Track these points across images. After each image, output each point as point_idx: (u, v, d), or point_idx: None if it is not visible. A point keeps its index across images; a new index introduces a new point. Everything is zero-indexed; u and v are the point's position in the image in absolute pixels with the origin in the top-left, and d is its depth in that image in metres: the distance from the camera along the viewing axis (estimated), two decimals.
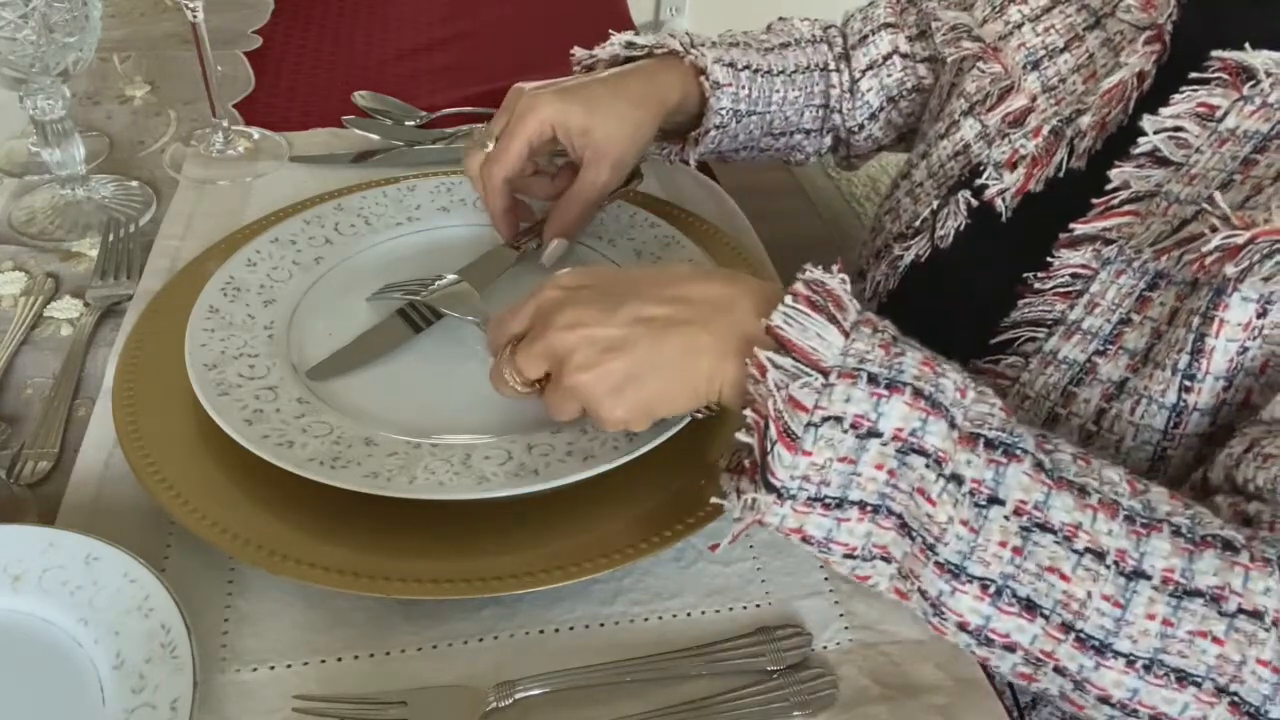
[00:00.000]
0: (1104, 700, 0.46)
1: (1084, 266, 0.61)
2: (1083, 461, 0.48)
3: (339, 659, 0.54)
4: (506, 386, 0.56)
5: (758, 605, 0.58)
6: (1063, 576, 0.45)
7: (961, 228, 0.71)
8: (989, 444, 0.46)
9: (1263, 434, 0.51)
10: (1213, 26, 0.59)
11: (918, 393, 0.46)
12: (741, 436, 0.49)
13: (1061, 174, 0.66)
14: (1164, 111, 0.59)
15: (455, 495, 0.55)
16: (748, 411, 0.48)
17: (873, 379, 0.46)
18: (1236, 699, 0.44)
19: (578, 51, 0.83)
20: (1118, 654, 0.45)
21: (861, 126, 0.86)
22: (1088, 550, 0.45)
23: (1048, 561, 0.45)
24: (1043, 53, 0.69)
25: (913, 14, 0.85)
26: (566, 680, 0.52)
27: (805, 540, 0.48)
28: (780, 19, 0.87)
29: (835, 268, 0.51)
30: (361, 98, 0.99)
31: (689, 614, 0.57)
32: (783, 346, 0.48)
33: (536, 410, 0.57)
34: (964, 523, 0.46)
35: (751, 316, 0.51)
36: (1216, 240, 0.52)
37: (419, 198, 0.81)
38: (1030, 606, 0.45)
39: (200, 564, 0.57)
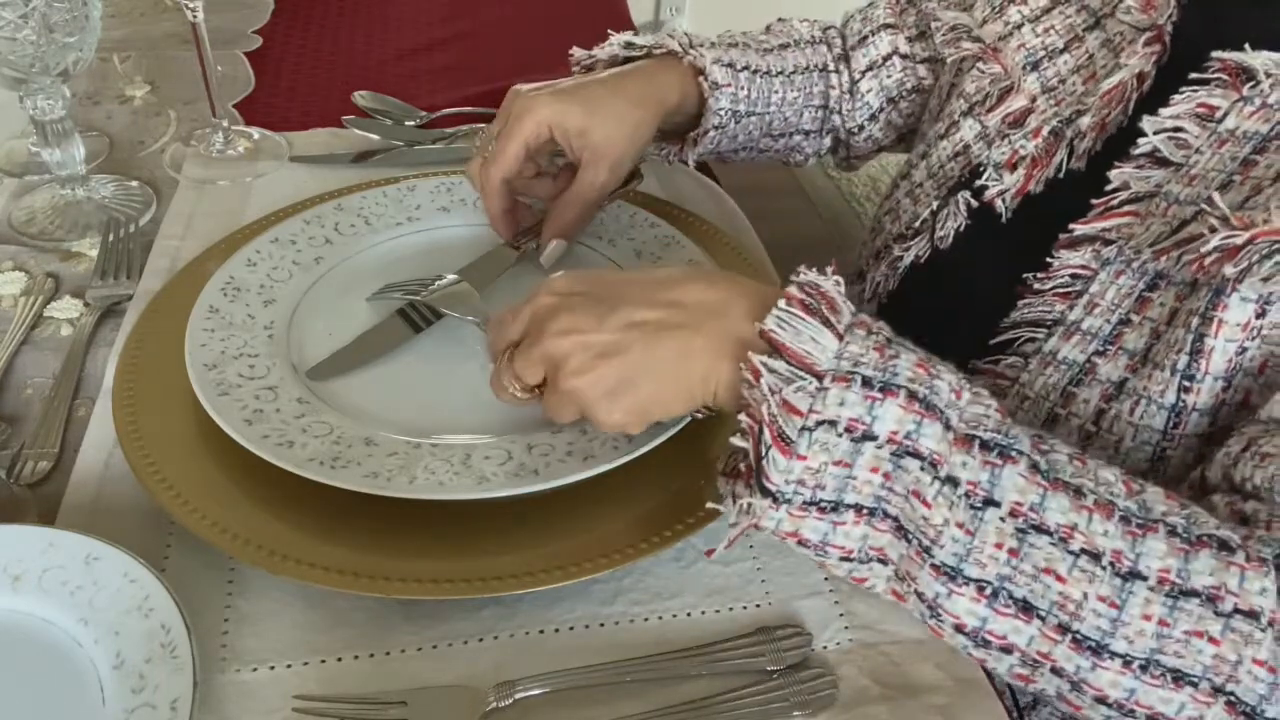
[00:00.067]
0: (1101, 701, 0.46)
1: (1084, 267, 0.61)
2: (1079, 462, 0.48)
3: (339, 659, 0.54)
4: (506, 393, 0.56)
5: (758, 605, 0.58)
6: (1059, 578, 0.45)
7: (961, 228, 0.71)
8: (984, 446, 0.46)
9: (1260, 433, 0.51)
10: (1213, 27, 0.59)
11: (912, 395, 0.46)
12: (736, 441, 0.49)
13: (1061, 175, 0.66)
14: (1164, 112, 0.59)
15: (455, 495, 0.55)
16: (742, 416, 0.48)
17: (867, 382, 0.46)
18: (1233, 699, 0.44)
19: (576, 52, 0.83)
20: (1114, 654, 0.45)
21: (861, 127, 0.86)
22: (1083, 551, 0.45)
23: (1044, 563, 0.45)
24: (1042, 53, 0.69)
25: (912, 15, 0.85)
26: (566, 680, 0.52)
27: (801, 543, 0.48)
28: (779, 20, 0.87)
29: (830, 269, 0.51)
30: (361, 98, 0.99)
31: (689, 614, 0.57)
32: (776, 350, 0.48)
33: (536, 410, 0.57)
34: (960, 525, 0.46)
35: (745, 320, 0.51)
36: (1215, 241, 0.53)
37: (419, 198, 0.81)
38: (1027, 608, 0.45)
39: (200, 564, 0.57)
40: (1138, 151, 0.60)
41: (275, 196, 0.85)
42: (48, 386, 0.69)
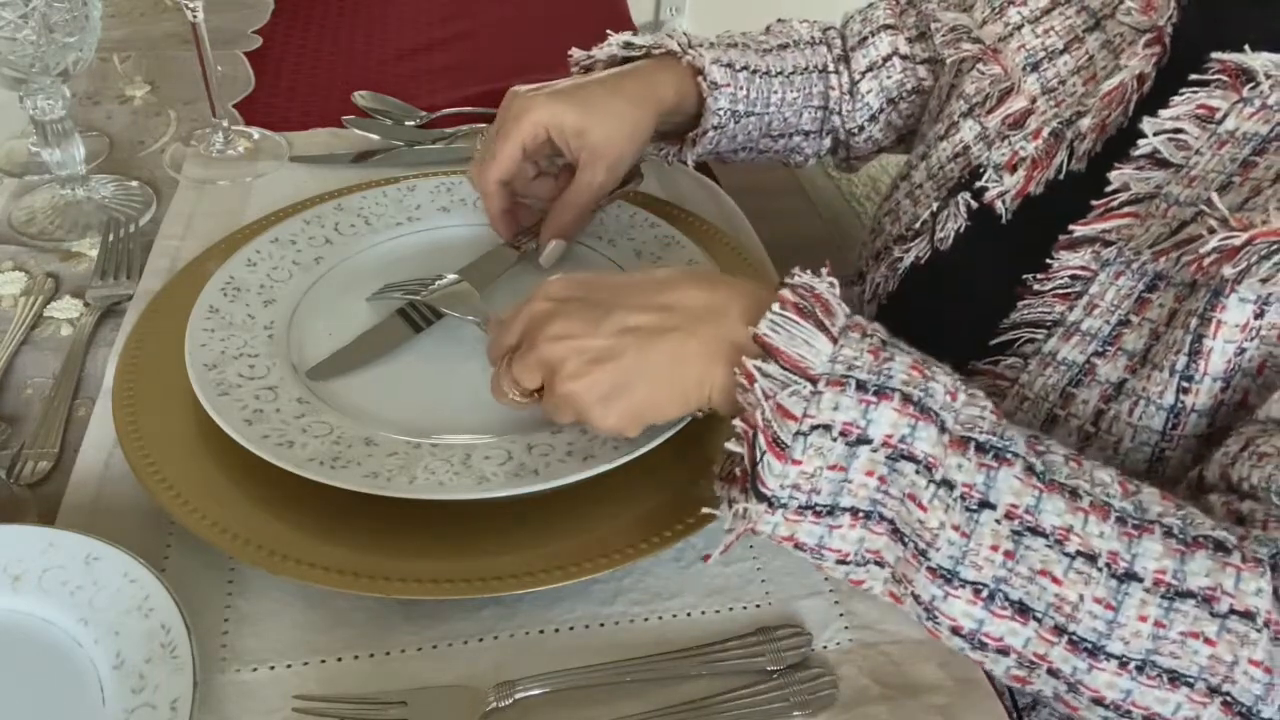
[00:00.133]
0: (1097, 702, 0.46)
1: (1083, 268, 0.61)
2: (1074, 463, 0.48)
3: (339, 659, 0.54)
4: (506, 397, 0.56)
5: (758, 605, 0.58)
6: (1055, 580, 0.45)
7: (961, 229, 0.71)
8: (980, 448, 0.46)
9: (1258, 433, 0.51)
10: (1212, 28, 0.59)
11: (906, 398, 0.46)
12: (731, 446, 0.49)
13: (1061, 176, 0.66)
14: (1164, 113, 0.59)
15: (455, 495, 0.56)
16: (737, 421, 0.49)
17: (861, 386, 0.46)
18: (1229, 699, 0.44)
19: (575, 52, 0.83)
20: (1110, 656, 0.45)
21: (861, 128, 0.86)
22: (1079, 553, 0.45)
23: (1039, 565, 0.45)
24: (1042, 54, 0.69)
25: (912, 15, 0.85)
26: (566, 680, 0.53)
27: (798, 547, 0.49)
28: (779, 20, 0.87)
29: (824, 270, 0.51)
30: (361, 98, 0.99)
31: (689, 614, 0.57)
32: (770, 354, 0.48)
33: (536, 411, 0.57)
34: (955, 527, 0.46)
35: (739, 323, 0.51)
36: (1214, 241, 0.53)
37: (419, 198, 0.81)
38: (1023, 610, 0.46)
39: (200, 564, 0.57)
40: (1138, 153, 0.60)
41: (275, 196, 0.85)
42: (48, 386, 0.69)
